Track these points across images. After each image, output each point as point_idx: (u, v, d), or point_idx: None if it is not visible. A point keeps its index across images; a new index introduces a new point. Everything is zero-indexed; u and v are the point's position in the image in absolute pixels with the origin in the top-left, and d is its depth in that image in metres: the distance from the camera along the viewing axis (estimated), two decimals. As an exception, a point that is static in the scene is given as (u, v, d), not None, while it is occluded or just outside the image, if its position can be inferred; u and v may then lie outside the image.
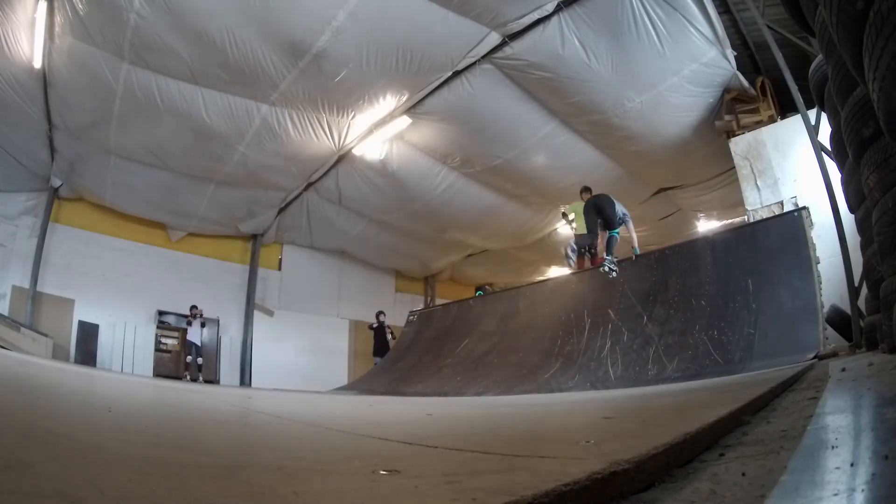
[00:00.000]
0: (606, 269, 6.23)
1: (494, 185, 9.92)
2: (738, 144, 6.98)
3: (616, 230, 6.90)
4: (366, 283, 13.75)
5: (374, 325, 11.46)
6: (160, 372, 9.79)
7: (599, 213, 6.74)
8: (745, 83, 6.87)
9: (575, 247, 7.36)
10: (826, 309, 4.80)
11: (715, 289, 5.46)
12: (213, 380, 10.49)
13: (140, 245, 10.73)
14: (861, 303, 4.57)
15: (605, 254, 6.68)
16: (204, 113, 7.57)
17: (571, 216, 7.97)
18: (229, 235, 11.74)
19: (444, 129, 8.34)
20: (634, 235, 6.81)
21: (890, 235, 2.43)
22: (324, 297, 12.96)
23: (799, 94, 5.65)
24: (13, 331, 7.64)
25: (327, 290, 13.06)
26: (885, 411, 1.45)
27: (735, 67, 6.69)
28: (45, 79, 7.10)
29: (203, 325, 10.41)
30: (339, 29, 6.15)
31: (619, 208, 6.85)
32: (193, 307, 10.23)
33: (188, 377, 9.74)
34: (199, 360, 10.06)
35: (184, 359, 10.01)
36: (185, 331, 10.15)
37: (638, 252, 6.55)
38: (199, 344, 10.08)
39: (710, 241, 6.19)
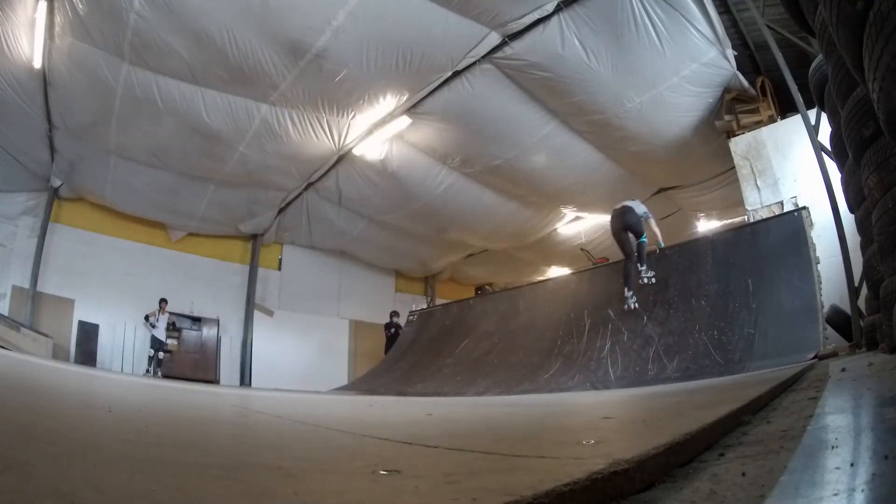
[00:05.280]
0: (645, 280, 6.04)
1: (494, 185, 9.91)
2: (738, 144, 6.98)
3: (644, 236, 6.35)
4: (366, 283, 13.73)
5: (392, 331, 11.42)
6: (163, 373, 9.78)
7: (625, 228, 6.27)
8: (745, 83, 6.86)
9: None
10: (826, 309, 4.81)
11: (715, 289, 5.47)
12: (213, 380, 10.47)
13: (140, 245, 10.72)
14: (861, 303, 4.56)
15: (639, 265, 6.23)
16: (204, 113, 7.56)
17: None
18: (229, 235, 11.74)
19: (444, 129, 8.33)
20: (658, 231, 6.49)
21: (890, 235, 2.43)
22: (324, 297, 12.95)
23: (799, 94, 5.65)
24: (13, 331, 7.63)
25: (327, 290, 13.05)
26: (885, 411, 1.45)
27: (735, 67, 6.68)
28: (45, 79, 7.09)
29: (173, 325, 10.09)
30: (339, 29, 6.15)
31: (640, 209, 6.42)
32: (163, 300, 9.95)
33: (149, 373, 9.57)
34: (161, 356, 9.81)
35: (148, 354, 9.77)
36: (151, 326, 9.82)
37: (662, 245, 6.44)
38: (163, 340, 9.84)
39: (711, 241, 6.20)
